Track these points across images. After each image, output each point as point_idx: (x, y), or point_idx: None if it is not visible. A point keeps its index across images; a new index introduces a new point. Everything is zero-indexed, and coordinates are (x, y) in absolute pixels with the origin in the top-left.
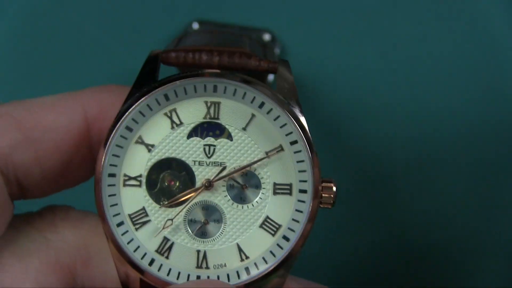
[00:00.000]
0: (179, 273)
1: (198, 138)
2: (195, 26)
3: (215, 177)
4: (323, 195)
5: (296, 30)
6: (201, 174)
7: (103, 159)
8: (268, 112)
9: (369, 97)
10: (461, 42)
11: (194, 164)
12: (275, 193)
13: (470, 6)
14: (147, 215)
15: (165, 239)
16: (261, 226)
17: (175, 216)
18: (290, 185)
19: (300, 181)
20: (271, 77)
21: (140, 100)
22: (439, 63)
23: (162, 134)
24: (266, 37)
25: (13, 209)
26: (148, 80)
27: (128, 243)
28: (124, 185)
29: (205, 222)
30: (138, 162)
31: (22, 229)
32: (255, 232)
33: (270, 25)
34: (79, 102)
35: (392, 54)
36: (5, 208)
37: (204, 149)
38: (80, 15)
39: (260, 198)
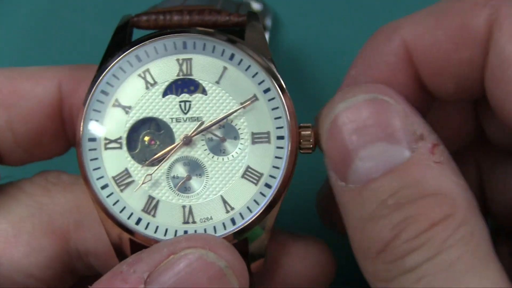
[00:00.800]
0: (166, 230)
1: (173, 96)
2: None
3: (193, 132)
4: (302, 140)
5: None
6: (179, 131)
7: (82, 124)
8: (239, 63)
9: None
10: None
11: (172, 121)
12: (253, 142)
13: None
14: (130, 176)
15: (150, 198)
16: (243, 176)
17: (154, 171)
18: (268, 133)
19: (277, 127)
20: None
21: (113, 63)
22: None
23: (137, 95)
24: (256, 6)
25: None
26: (120, 45)
27: (113, 204)
28: (106, 148)
29: (188, 177)
30: (117, 124)
31: (14, 194)
32: (238, 183)
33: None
34: (56, 75)
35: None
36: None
37: (180, 105)
38: (82, 15)
39: (239, 148)
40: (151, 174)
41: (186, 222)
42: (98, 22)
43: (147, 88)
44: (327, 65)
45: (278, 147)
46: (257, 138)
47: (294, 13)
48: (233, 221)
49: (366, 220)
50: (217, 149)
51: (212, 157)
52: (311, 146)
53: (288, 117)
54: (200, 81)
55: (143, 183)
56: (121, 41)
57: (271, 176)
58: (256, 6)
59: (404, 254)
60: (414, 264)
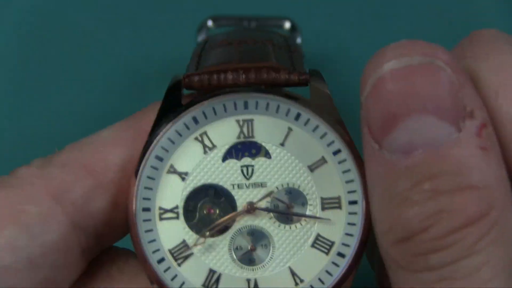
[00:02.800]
0: None
1: (234, 160)
2: (209, 23)
3: (258, 200)
4: None
5: (316, 15)
6: (242, 198)
7: (135, 193)
8: (305, 124)
9: None
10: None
11: (233, 188)
12: (323, 208)
13: (469, 5)
14: (189, 248)
15: (211, 271)
16: (312, 246)
17: (207, 235)
18: (339, 198)
19: (349, 192)
20: None
21: (168, 126)
22: None
23: (195, 160)
24: (287, 25)
25: (85, 265)
26: (173, 106)
27: (172, 279)
28: (161, 218)
29: (252, 248)
30: (173, 192)
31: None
32: (307, 253)
33: (288, 12)
34: (138, 128)
35: None
36: (74, 269)
37: (242, 170)
38: (87, 14)
39: None
40: (204, 237)
41: None
42: (100, 21)
43: (205, 152)
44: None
45: (350, 213)
46: (327, 203)
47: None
48: None
49: (395, 200)
50: (284, 217)
51: (279, 226)
52: None
53: (362, 180)
54: (263, 144)
55: (194, 246)
56: (174, 102)
57: (343, 244)
58: (287, 25)
59: (429, 251)
60: (438, 264)
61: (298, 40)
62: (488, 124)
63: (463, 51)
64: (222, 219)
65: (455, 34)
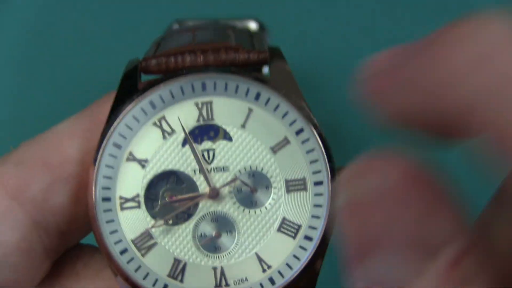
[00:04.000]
0: None
1: (194, 145)
2: (175, 27)
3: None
4: None
5: (287, 15)
6: (204, 183)
7: (94, 183)
8: (266, 103)
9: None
10: None
11: (195, 173)
12: (288, 191)
13: (469, 6)
14: (152, 238)
15: (176, 261)
16: (279, 230)
17: (164, 217)
18: (304, 179)
19: (314, 172)
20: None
21: (124, 112)
22: None
23: (154, 146)
24: (253, 26)
25: (50, 265)
26: (129, 91)
27: (135, 270)
28: (122, 208)
29: (217, 235)
30: (133, 181)
31: None
32: (274, 237)
33: (256, 12)
34: (94, 118)
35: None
36: (38, 269)
37: (203, 155)
38: (84, 16)
39: (272, 199)
40: (163, 219)
41: (218, 285)
42: (98, 21)
43: (164, 137)
44: (328, 82)
45: (316, 194)
46: (292, 185)
47: (294, 29)
48: (271, 281)
49: None
50: (248, 201)
51: (243, 211)
52: None
53: (327, 160)
54: (224, 126)
55: (152, 227)
56: (131, 87)
57: (310, 227)
58: (253, 26)
59: None
60: None
61: (267, 41)
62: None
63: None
64: (180, 197)
65: None
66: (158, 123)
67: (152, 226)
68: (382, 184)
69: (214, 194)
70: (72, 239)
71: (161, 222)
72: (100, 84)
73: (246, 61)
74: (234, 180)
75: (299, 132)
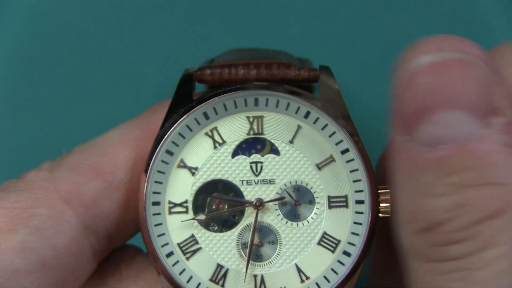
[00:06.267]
0: None
1: (243, 156)
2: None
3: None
4: (381, 204)
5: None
6: (250, 194)
7: (145, 187)
8: (314, 122)
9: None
10: None
11: (242, 184)
12: (330, 206)
13: (469, 6)
14: (197, 243)
15: (219, 266)
16: (319, 243)
17: (206, 211)
18: (346, 196)
19: (356, 191)
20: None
21: (179, 121)
22: None
23: (205, 155)
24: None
25: (96, 265)
26: (184, 100)
27: (180, 274)
28: (170, 212)
29: (259, 244)
30: (182, 187)
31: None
32: (313, 250)
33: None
34: (146, 127)
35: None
36: (85, 270)
37: (251, 167)
38: (87, 15)
39: (315, 213)
40: (205, 214)
41: None
42: (99, 22)
43: (215, 147)
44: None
45: (357, 212)
46: (334, 202)
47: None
48: None
49: (421, 191)
50: (291, 214)
51: (286, 223)
52: (390, 210)
53: (369, 180)
54: (273, 141)
55: (193, 219)
56: (185, 96)
57: (349, 243)
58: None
59: (450, 242)
60: (457, 255)
61: None
62: None
63: (497, 56)
64: (227, 197)
65: (456, 33)
66: (210, 133)
67: (193, 218)
68: (454, 55)
69: (259, 205)
70: (119, 242)
71: (203, 216)
72: (103, 84)
73: (297, 77)
74: (281, 198)
75: (344, 152)
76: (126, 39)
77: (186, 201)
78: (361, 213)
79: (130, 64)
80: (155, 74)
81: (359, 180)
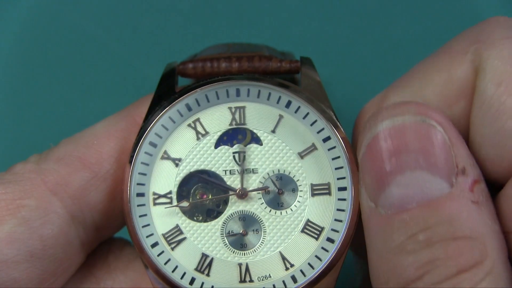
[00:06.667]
0: None
1: (226, 147)
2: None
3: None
4: None
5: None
6: (234, 183)
7: (129, 178)
8: (296, 111)
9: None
10: None
11: (225, 173)
12: (313, 194)
13: (469, 6)
14: (182, 233)
15: (204, 256)
16: (302, 231)
17: (190, 200)
18: (328, 184)
19: (338, 178)
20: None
21: (161, 113)
22: None
23: (188, 146)
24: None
25: (84, 257)
26: (167, 94)
27: (165, 263)
28: (154, 204)
29: (244, 233)
30: (166, 178)
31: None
32: (297, 238)
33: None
34: (130, 119)
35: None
36: (74, 261)
37: (234, 156)
38: (87, 16)
39: (298, 201)
40: (189, 202)
41: (243, 281)
42: (97, 21)
43: (198, 138)
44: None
45: (340, 199)
46: (317, 189)
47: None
48: (294, 279)
49: (392, 252)
50: (275, 203)
51: (270, 211)
52: None
53: (351, 167)
54: (255, 130)
55: (177, 205)
56: (168, 89)
57: (333, 229)
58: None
59: None
60: None
61: None
62: (481, 180)
63: (476, 35)
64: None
65: (455, 33)
66: (193, 125)
67: (177, 205)
68: (411, 119)
69: (243, 194)
70: (106, 234)
71: (186, 203)
72: (99, 82)
73: (278, 69)
74: (265, 188)
75: (326, 139)
76: (124, 39)
77: (170, 192)
78: (344, 199)
79: (129, 64)
80: (155, 74)
81: (341, 167)
